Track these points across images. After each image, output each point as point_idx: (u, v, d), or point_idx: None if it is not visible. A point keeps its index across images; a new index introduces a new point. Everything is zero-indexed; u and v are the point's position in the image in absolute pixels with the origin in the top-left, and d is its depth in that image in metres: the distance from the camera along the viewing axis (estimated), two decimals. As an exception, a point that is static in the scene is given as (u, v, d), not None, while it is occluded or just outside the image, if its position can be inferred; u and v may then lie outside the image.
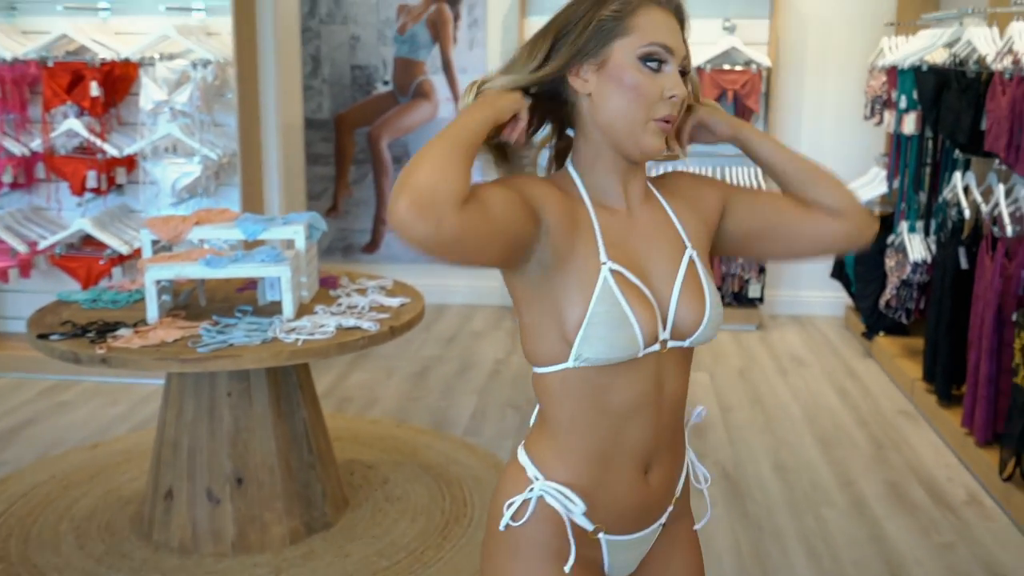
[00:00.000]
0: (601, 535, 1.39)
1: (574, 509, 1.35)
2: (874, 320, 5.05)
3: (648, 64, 1.31)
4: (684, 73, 1.35)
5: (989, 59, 3.83)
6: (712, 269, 1.45)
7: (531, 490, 1.36)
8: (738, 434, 4.01)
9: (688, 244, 1.40)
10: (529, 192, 1.27)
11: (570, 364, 1.31)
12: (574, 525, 1.36)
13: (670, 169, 1.53)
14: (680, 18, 1.36)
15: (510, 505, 1.36)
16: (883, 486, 3.55)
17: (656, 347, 1.34)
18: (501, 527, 1.37)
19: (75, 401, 4.40)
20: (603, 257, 1.31)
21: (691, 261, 1.38)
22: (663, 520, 1.45)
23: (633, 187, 1.39)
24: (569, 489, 1.35)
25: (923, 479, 3.61)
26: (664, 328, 1.35)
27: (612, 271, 1.31)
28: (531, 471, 1.38)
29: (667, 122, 1.32)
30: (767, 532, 3.19)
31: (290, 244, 3.10)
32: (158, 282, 2.86)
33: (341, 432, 3.88)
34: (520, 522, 1.36)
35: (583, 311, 1.29)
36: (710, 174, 5.53)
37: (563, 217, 1.29)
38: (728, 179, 5.52)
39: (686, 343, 1.37)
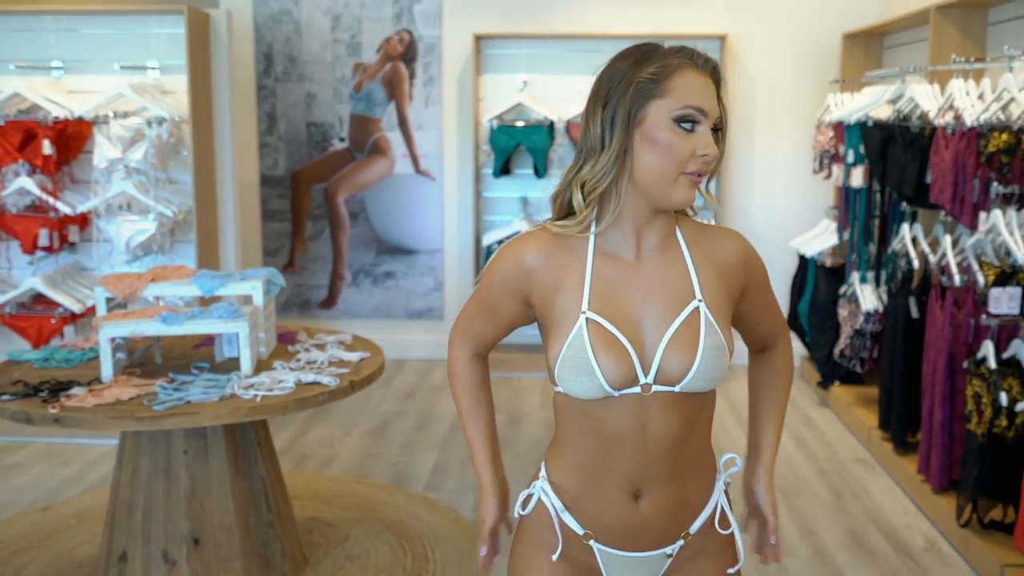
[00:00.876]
0: (592, 543, 1.51)
1: (558, 507, 1.51)
2: (829, 369, 5.12)
3: (682, 125, 1.38)
4: (717, 130, 1.43)
5: (931, 115, 3.95)
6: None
7: (534, 486, 1.56)
8: (698, 485, 4.01)
9: (698, 295, 1.45)
10: (515, 284, 1.48)
11: (559, 389, 1.47)
12: (563, 523, 1.52)
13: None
14: (716, 79, 1.42)
15: (523, 497, 1.56)
16: (844, 535, 3.57)
17: (636, 389, 1.42)
18: (514, 515, 1.60)
19: (24, 463, 4.29)
20: (584, 307, 1.42)
21: (695, 311, 1.44)
22: (669, 551, 1.52)
23: (649, 237, 1.47)
24: (553, 489, 1.52)
25: (882, 527, 3.64)
26: (647, 373, 1.42)
27: (588, 320, 1.41)
28: (542, 470, 1.56)
29: (699, 176, 1.40)
30: (730, 583, 3.18)
31: (247, 300, 3.07)
32: (113, 340, 2.82)
33: (300, 490, 3.82)
34: (526, 511, 1.56)
35: (559, 351, 1.43)
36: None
37: (546, 287, 1.46)
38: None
39: (676, 388, 1.43)
